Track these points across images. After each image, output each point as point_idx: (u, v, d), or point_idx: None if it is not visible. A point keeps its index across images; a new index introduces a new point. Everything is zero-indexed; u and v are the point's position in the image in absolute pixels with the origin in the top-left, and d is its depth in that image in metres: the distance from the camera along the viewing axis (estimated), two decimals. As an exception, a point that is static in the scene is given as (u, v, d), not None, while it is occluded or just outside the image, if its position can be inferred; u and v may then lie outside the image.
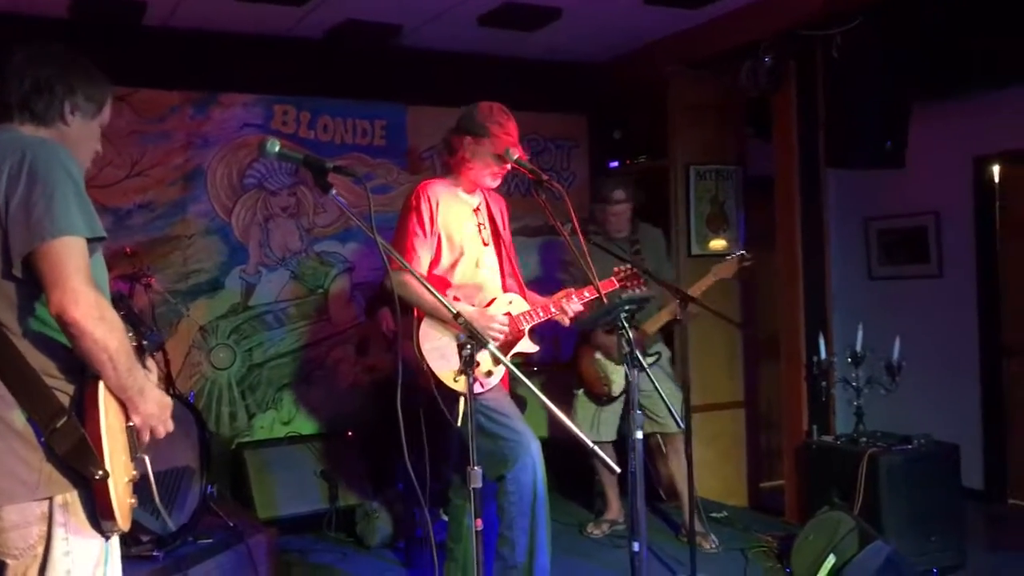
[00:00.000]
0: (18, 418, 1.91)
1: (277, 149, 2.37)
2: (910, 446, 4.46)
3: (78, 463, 1.88)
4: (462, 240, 3.61)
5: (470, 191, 3.69)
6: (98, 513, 1.92)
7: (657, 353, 4.88)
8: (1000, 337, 5.48)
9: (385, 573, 4.59)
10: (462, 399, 3.39)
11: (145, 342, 2.38)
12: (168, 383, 4.61)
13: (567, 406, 5.01)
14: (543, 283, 5.49)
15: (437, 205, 3.56)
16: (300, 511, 5.14)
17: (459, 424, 3.38)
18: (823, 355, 4.84)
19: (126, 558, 3.71)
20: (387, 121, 5.94)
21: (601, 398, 4.90)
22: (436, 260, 3.59)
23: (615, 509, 5.15)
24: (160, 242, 5.29)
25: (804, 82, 5.20)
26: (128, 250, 4.66)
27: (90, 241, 1.93)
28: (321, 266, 5.76)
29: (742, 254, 4.57)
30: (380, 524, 4.89)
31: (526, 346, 3.64)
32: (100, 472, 1.88)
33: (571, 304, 3.61)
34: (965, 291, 5.52)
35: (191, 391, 5.16)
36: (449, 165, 3.70)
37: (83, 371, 1.93)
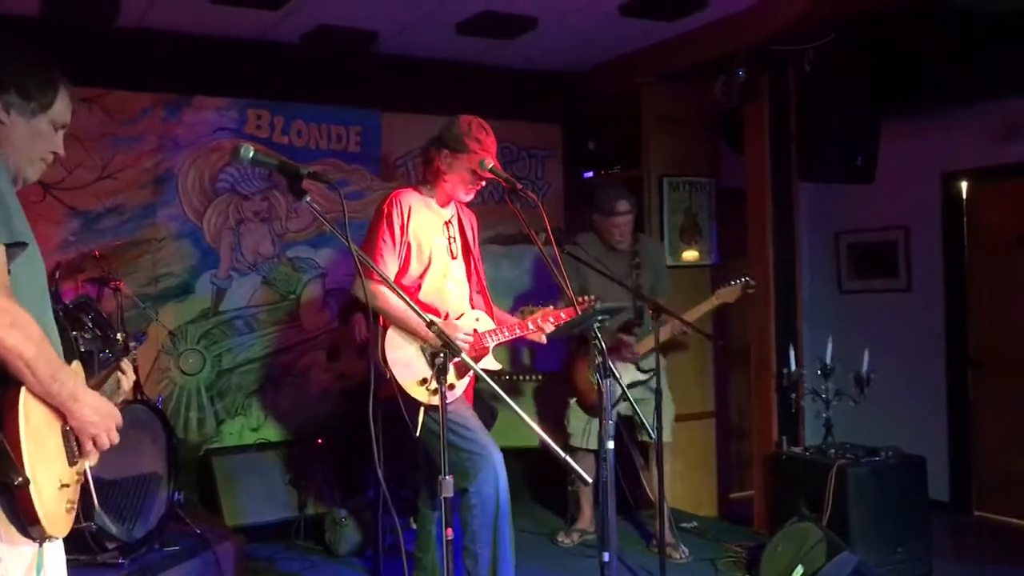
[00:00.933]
0: None
1: (251, 155, 2.35)
2: (877, 458, 4.50)
3: None
4: (431, 250, 3.61)
5: (443, 204, 3.71)
6: (22, 519, 1.87)
7: (652, 369, 4.89)
8: (966, 351, 5.55)
9: (353, 582, 4.57)
10: (422, 409, 3.39)
11: (133, 343, 2.34)
12: (136, 388, 4.55)
13: (560, 415, 5.03)
14: (533, 293, 5.51)
15: (409, 213, 3.57)
16: (268, 519, 5.09)
17: (418, 434, 3.38)
18: (793, 367, 4.88)
19: (91, 566, 3.72)
20: (362, 127, 5.92)
21: (593, 408, 4.90)
22: (404, 269, 3.59)
23: (587, 518, 5.16)
24: (130, 246, 5.21)
25: (776, 96, 5.25)
26: (97, 253, 4.60)
27: (11, 246, 1.89)
28: (293, 272, 5.72)
29: (746, 280, 4.62)
30: (349, 532, 4.86)
31: (489, 363, 3.65)
32: (19, 479, 1.83)
33: (547, 324, 3.63)
34: (933, 305, 5.60)
35: (159, 396, 5.09)
36: (425, 176, 3.71)
37: (7, 376, 1.87)
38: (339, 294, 5.77)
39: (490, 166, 3.46)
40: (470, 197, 3.69)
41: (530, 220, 3.45)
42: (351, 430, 5.40)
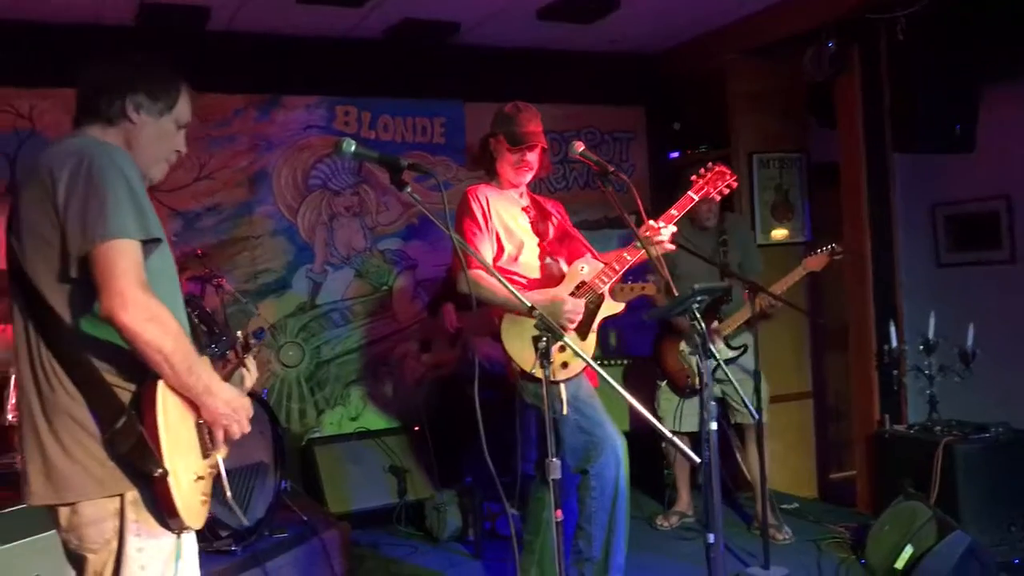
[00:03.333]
0: (87, 417, 1.94)
1: (353, 149, 2.41)
2: (987, 434, 4.37)
3: (138, 461, 1.90)
4: (520, 232, 3.65)
5: (510, 188, 3.74)
6: (162, 511, 1.94)
7: (744, 345, 4.83)
8: (1077, 322, 5.33)
9: (456, 566, 4.63)
10: (563, 387, 3.42)
11: (254, 340, 2.41)
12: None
13: (648, 398, 5.01)
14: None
15: (488, 203, 3.62)
16: (370, 505, 5.20)
17: (564, 413, 3.41)
18: (894, 343, 4.76)
19: (206, 552, 3.85)
20: (445, 118, 5.98)
21: (684, 390, 4.88)
22: (499, 255, 3.63)
23: (685, 501, 5.14)
24: (229, 244, 5.39)
25: (868, 66, 5.11)
26: (199, 252, 4.76)
27: (147, 242, 1.94)
28: (385, 264, 5.83)
29: (833, 247, 4.54)
30: (449, 517, 4.93)
31: (611, 308, 3.58)
32: (159, 470, 1.89)
33: (664, 228, 3.49)
34: (1040, 275, 5.38)
35: (263, 389, 5.24)
36: (485, 168, 3.78)
37: (145, 370, 1.93)
38: (429, 284, 5.85)
39: (580, 149, 3.45)
40: (523, 176, 3.68)
41: (622, 203, 3.44)
42: (448, 417, 5.48)
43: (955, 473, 4.22)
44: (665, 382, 5.00)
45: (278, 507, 4.35)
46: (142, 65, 2.18)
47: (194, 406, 2.02)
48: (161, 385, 1.93)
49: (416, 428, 5.56)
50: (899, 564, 3.96)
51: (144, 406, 1.92)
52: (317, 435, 5.51)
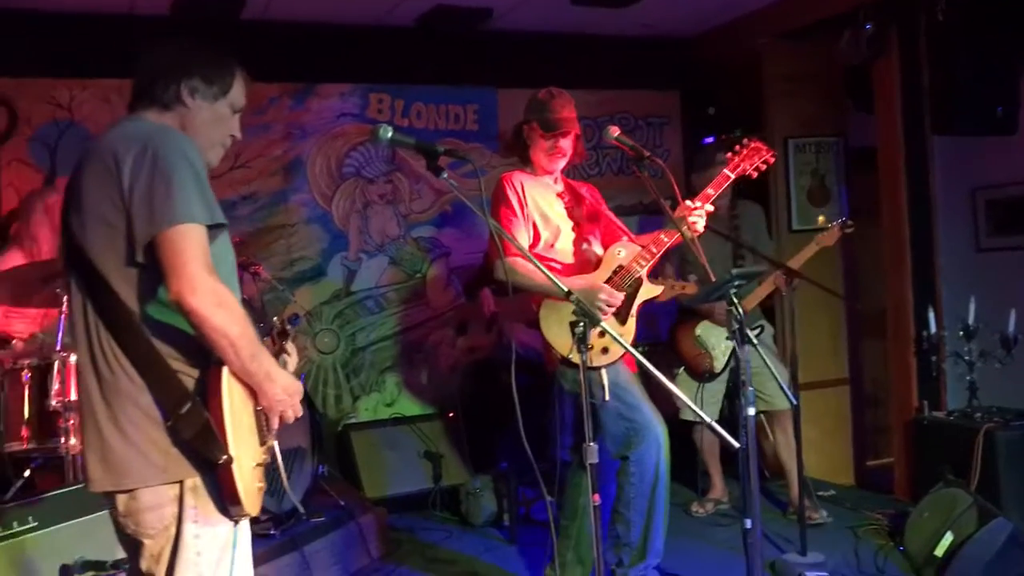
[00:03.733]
0: (150, 403, 1.94)
1: (390, 135, 2.44)
2: (1029, 421, 4.31)
3: (203, 448, 1.90)
4: (556, 219, 3.65)
5: (544, 174, 3.73)
6: (224, 498, 1.93)
7: (760, 325, 4.79)
8: (1122, 307, 5.23)
9: (491, 551, 4.64)
10: (604, 373, 3.43)
11: (290, 327, 2.43)
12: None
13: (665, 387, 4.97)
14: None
15: (523, 189, 3.62)
16: (405, 490, 5.24)
17: (605, 399, 3.43)
18: (933, 329, 4.70)
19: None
20: (478, 105, 5.98)
21: (703, 375, 4.82)
22: (535, 241, 3.63)
23: (719, 488, 5.12)
24: (264, 232, 5.44)
25: (907, 48, 5.03)
26: (235, 240, 4.77)
27: (211, 228, 1.93)
28: (418, 251, 5.85)
29: (843, 220, 4.49)
30: (484, 503, 4.96)
31: (649, 291, 3.57)
32: (224, 457, 1.88)
33: (697, 208, 3.47)
34: (1084, 261, 5.28)
35: (301, 374, 5.29)
36: (519, 156, 3.78)
37: (208, 355, 1.93)
38: (463, 272, 5.87)
39: (616, 134, 3.44)
40: (556, 164, 3.68)
41: (658, 188, 3.42)
42: (482, 403, 5.50)
43: (996, 460, 4.17)
44: (682, 368, 4.94)
45: (315, 491, 4.41)
46: (197, 50, 2.18)
47: (253, 392, 2.02)
48: (226, 371, 1.93)
49: (451, 414, 5.60)
50: (939, 551, 3.91)
51: (209, 392, 1.92)
52: (353, 421, 5.56)
